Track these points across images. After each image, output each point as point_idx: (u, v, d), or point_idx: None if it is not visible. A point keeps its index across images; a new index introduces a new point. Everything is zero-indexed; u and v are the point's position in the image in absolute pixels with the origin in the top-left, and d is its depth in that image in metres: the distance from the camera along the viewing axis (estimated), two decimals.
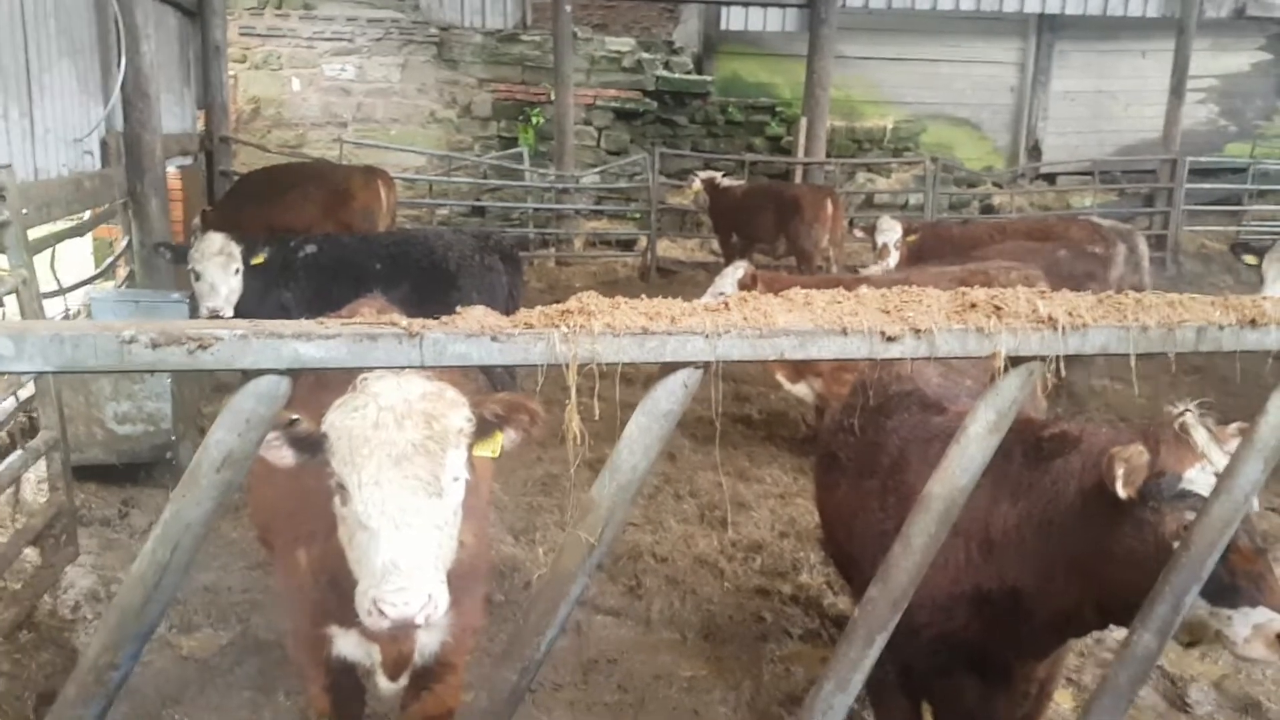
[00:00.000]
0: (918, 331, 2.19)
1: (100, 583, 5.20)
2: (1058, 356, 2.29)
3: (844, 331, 2.16)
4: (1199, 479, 2.70)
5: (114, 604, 2.00)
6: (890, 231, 10.40)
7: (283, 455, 2.57)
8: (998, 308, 2.23)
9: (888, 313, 2.18)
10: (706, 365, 2.13)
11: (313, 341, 1.89)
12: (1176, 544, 2.63)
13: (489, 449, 2.71)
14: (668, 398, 2.15)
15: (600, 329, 2.03)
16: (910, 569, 2.37)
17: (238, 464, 1.95)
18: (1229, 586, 2.68)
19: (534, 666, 2.25)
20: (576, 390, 2.06)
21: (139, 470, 6.42)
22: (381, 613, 2.40)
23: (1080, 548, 2.87)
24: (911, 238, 10.27)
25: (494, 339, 1.99)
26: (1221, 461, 2.66)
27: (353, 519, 2.52)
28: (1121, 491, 2.69)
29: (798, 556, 5.79)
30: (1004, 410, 2.33)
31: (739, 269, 7.83)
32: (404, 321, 1.98)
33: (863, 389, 3.81)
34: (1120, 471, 2.68)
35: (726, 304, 2.18)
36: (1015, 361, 2.29)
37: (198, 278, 6.89)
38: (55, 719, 2.01)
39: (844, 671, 2.42)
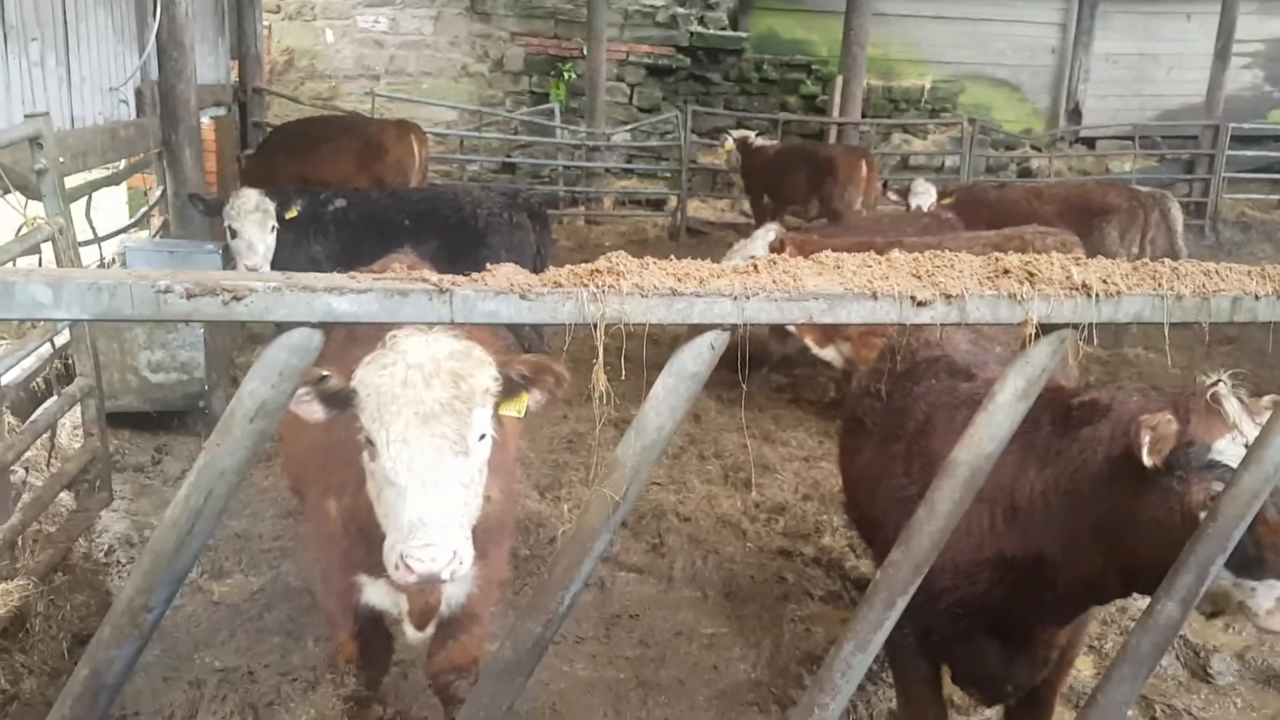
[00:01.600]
0: (949, 297, 2.17)
1: (134, 527, 5.31)
2: (1090, 324, 2.27)
3: (874, 296, 2.14)
4: (1228, 450, 2.68)
5: (148, 548, 2.04)
6: (925, 194, 10.28)
7: (313, 410, 2.61)
8: (1031, 274, 2.20)
9: (919, 277, 2.16)
10: (734, 327, 2.13)
11: (345, 295, 1.90)
12: (1203, 514, 2.62)
13: (514, 409, 2.74)
14: (695, 359, 2.15)
15: (629, 289, 2.02)
16: (933, 534, 2.38)
17: (271, 415, 1.98)
18: (1254, 558, 2.67)
19: (557, 619, 2.28)
20: (603, 350, 2.07)
21: (172, 418, 6.53)
22: (408, 568, 2.45)
23: (1106, 516, 2.86)
24: (946, 201, 10.13)
25: (523, 297, 1.99)
26: (1252, 433, 2.63)
27: (381, 475, 2.56)
28: (1147, 459, 2.68)
29: (820, 519, 5.81)
30: (1034, 378, 2.31)
31: (769, 232, 7.78)
32: (434, 278, 1.99)
33: (891, 354, 3.80)
34: (1146, 439, 2.67)
35: (755, 266, 2.17)
36: (1047, 329, 2.26)
37: (234, 235, 6.94)
38: (90, 658, 2.06)
39: (864, 632, 2.44)
